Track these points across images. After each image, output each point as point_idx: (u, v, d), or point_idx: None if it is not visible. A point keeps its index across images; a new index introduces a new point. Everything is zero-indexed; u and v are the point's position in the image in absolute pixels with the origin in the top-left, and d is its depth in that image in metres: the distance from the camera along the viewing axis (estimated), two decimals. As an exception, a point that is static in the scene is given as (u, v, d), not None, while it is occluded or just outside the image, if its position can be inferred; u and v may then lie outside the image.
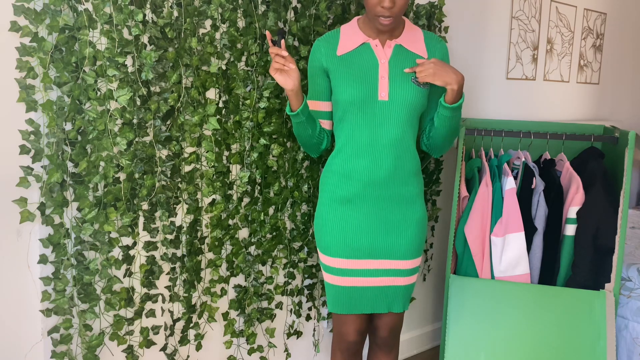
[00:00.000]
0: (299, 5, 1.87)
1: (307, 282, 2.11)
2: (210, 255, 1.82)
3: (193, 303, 1.80)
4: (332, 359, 1.80)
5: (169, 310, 1.76)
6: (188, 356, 1.83)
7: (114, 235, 1.58)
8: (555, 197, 2.06)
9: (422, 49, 1.63)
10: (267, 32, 1.50)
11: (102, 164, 1.52)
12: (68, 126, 1.47)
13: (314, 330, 2.20)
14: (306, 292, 2.10)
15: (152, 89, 1.58)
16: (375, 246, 1.63)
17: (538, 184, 2.07)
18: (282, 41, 1.49)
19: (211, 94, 1.73)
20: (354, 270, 1.64)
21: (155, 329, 1.71)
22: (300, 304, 2.08)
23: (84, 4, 1.44)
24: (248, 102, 1.78)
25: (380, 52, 1.60)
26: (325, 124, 1.71)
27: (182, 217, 1.72)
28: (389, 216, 1.63)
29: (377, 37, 1.61)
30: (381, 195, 1.61)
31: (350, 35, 1.62)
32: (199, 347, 1.82)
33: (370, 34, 1.62)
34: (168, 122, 1.63)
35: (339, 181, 1.63)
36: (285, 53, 1.49)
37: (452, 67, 1.55)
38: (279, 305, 2.01)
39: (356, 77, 1.58)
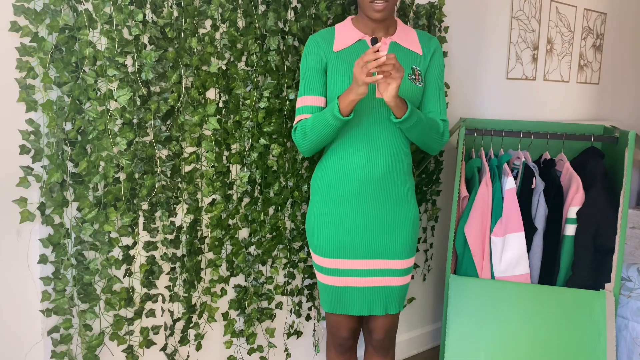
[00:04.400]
0: (299, 5, 1.87)
1: (307, 282, 2.11)
2: (210, 255, 1.82)
3: (193, 303, 1.79)
4: (327, 354, 1.82)
5: (169, 310, 1.76)
6: (188, 356, 1.83)
7: (114, 235, 1.58)
8: (555, 197, 2.06)
9: (417, 46, 1.65)
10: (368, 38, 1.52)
11: (102, 164, 1.52)
12: (68, 126, 1.47)
13: (314, 330, 2.20)
14: (306, 292, 2.10)
15: (152, 89, 1.58)
16: (371, 246, 1.62)
17: (538, 184, 2.07)
18: (384, 46, 1.50)
19: (211, 94, 1.73)
20: (349, 270, 1.63)
21: (155, 329, 1.71)
22: (300, 304, 2.08)
23: (84, 4, 1.44)
24: (248, 102, 1.78)
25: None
26: None
27: (182, 217, 1.72)
28: (384, 215, 1.62)
29: (372, 34, 1.61)
30: (377, 194, 1.60)
31: (346, 32, 1.62)
32: (199, 347, 1.82)
33: (365, 31, 1.62)
34: (168, 122, 1.63)
35: (334, 180, 1.62)
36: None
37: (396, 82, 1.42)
38: (279, 305, 2.01)
39: (350, 74, 1.57)
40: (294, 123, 1.64)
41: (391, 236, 1.63)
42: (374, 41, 1.40)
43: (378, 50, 1.36)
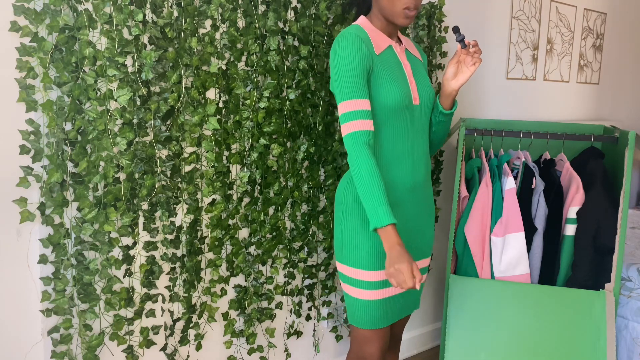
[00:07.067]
0: (299, 5, 1.87)
1: (307, 282, 2.11)
2: (210, 255, 1.82)
3: (193, 303, 1.79)
4: None
5: (169, 310, 1.76)
6: (188, 356, 1.83)
7: (114, 235, 1.58)
8: (555, 197, 2.06)
9: (418, 53, 1.68)
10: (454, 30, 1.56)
11: (102, 164, 1.52)
12: (68, 126, 1.47)
13: (314, 330, 2.20)
14: (306, 292, 2.10)
15: (152, 89, 1.58)
16: (414, 247, 1.62)
17: (538, 184, 2.07)
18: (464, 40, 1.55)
19: (211, 94, 1.73)
20: None
21: (155, 329, 1.71)
22: (300, 304, 2.08)
23: (84, 4, 1.44)
24: (248, 102, 1.78)
25: (401, 55, 1.57)
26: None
27: (182, 217, 1.72)
28: (420, 218, 1.63)
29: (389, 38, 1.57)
30: (418, 199, 1.60)
31: (376, 35, 1.54)
32: (199, 347, 1.82)
33: (390, 36, 1.58)
34: (168, 122, 1.63)
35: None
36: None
37: None
38: (279, 305, 2.01)
39: (397, 79, 1.51)
40: (356, 128, 1.42)
41: (424, 236, 1.66)
42: (456, 29, 1.53)
43: (462, 41, 1.52)
